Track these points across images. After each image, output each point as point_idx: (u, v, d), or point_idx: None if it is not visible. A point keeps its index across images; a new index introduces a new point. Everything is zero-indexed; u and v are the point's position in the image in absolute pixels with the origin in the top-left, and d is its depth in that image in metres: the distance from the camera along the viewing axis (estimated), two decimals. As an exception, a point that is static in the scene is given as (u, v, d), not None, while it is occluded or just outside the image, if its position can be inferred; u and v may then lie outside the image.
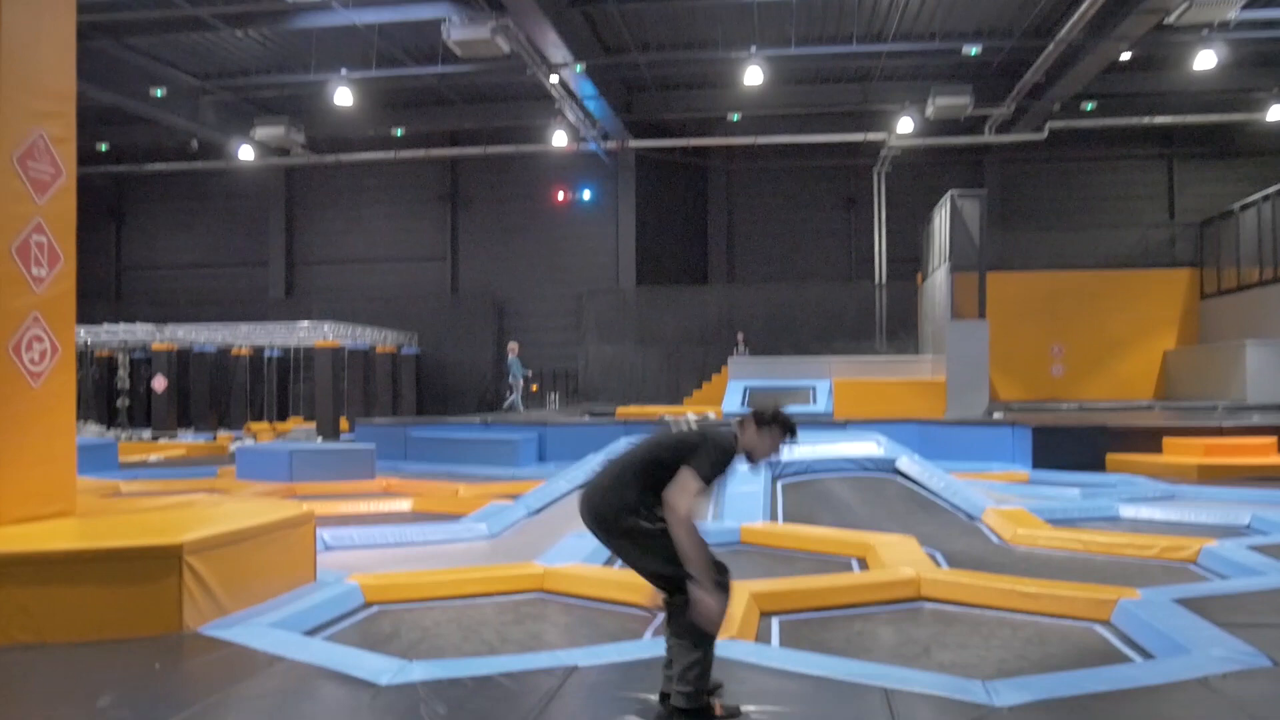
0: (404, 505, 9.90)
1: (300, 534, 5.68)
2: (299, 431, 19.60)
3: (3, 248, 5.25)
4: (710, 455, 3.50)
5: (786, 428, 3.68)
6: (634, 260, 23.81)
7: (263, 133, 20.06)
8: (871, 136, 21.32)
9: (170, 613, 4.60)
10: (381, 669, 3.99)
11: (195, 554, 4.71)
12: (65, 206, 5.69)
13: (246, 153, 22.01)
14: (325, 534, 7.54)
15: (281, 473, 11.51)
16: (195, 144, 22.35)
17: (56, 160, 5.60)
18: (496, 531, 7.97)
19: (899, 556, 6.12)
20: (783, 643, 4.69)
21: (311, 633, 4.91)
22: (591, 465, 9.54)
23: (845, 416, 15.09)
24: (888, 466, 8.50)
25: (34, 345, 5.42)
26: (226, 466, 13.04)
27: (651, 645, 4.41)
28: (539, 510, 8.51)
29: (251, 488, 10.98)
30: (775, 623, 5.02)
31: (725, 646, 4.19)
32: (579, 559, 6.20)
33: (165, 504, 6.13)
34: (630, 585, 5.41)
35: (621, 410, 17.82)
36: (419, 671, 3.93)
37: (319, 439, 18.36)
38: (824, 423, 14.23)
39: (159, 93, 18.94)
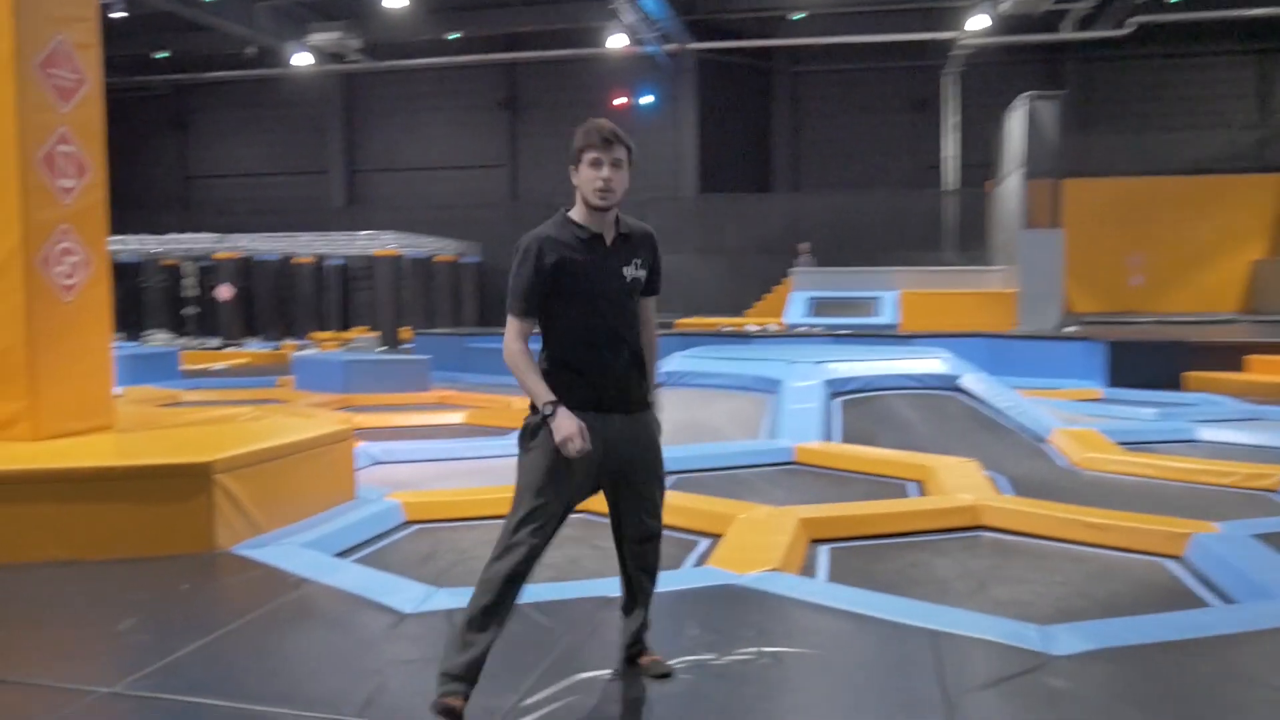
0: (456, 418, 9.82)
1: (339, 450, 5.58)
2: (361, 341, 19.68)
3: (28, 158, 5.11)
4: (511, 272, 2.94)
5: (586, 135, 2.87)
6: (695, 167, 23.26)
7: (318, 38, 19.78)
8: (941, 35, 20.32)
9: (202, 532, 4.53)
10: (408, 595, 3.86)
11: (227, 472, 4.61)
12: (91, 114, 5.51)
13: (303, 59, 21.75)
14: (374, 448, 7.48)
15: (336, 383, 11.51)
16: (254, 50, 22.14)
17: (79, 66, 5.41)
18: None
19: (959, 481, 5.83)
20: (831, 575, 4.46)
21: (347, 553, 4.82)
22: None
23: (911, 330, 14.65)
24: (951, 384, 8.15)
25: (64, 259, 5.30)
26: (286, 376, 13.10)
27: (694, 575, 4.23)
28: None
29: (307, 398, 10.99)
30: (824, 552, 4.79)
31: (766, 579, 3.99)
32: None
33: (205, 418, 6.06)
34: (679, 509, 5.23)
35: (680, 322, 17.55)
36: (445, 599, 3.79)
37: (381, 349, 18.42)
38: (887, 335, 13.82)
39: (213, -2, 18.71)
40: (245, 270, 22.09)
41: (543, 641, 3.41)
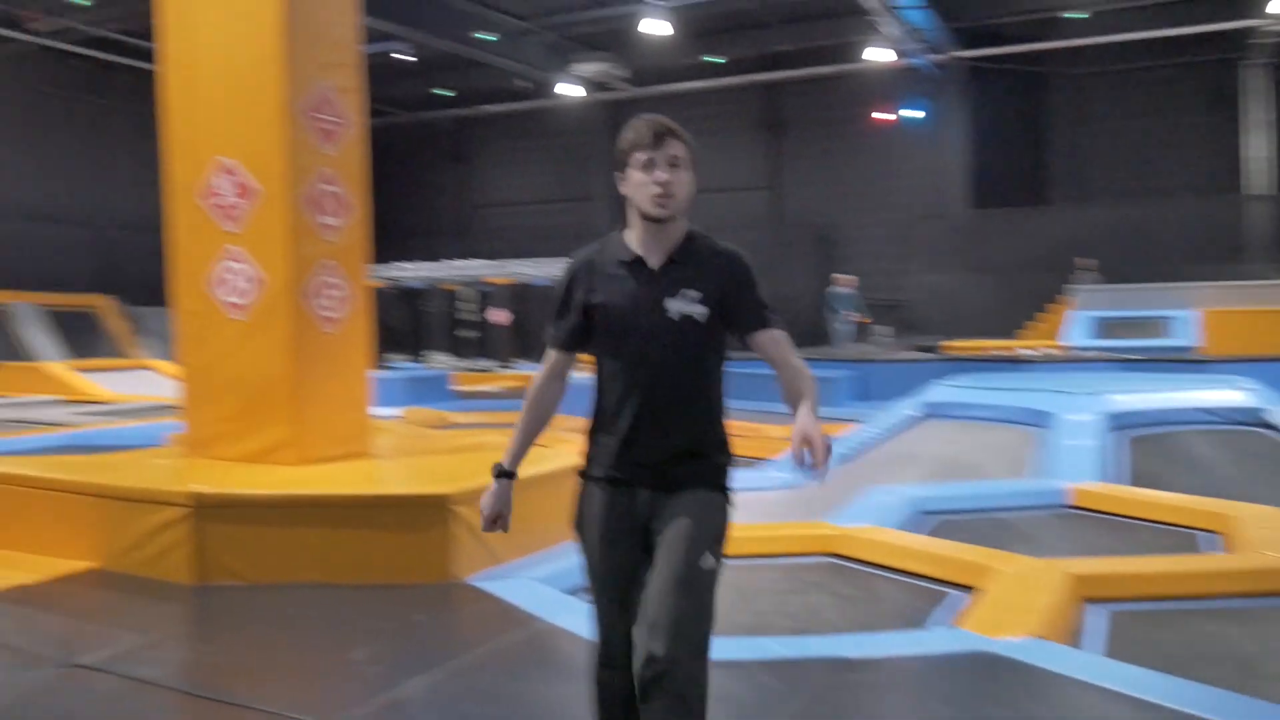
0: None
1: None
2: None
3: (295, 198, 5.40)
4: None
5: (633, 133, 2.41)
6: (965, 182, 22.15)
7: (584, 69, 20.41)
8: (1243, 24, 18.28)
9: (440, 561, 4.58)
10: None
11: (465, 504, 4.64)
12: (353, 155, 5.78)
13: (571, 90, 22.55)
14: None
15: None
16: (525, 84, 23.21)
17: (342, 110, 5.68)
18: (796, 480, 7.51)
19: (1269, 535, 5.03)
20: (1108, 646, 3.90)
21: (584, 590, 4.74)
22: (907, 409, 8.85)
23: (1212, 353, 13.17)
24: (1257, 418, 7.15)
25: (327, 292, 5.57)
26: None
27: (940, 637, 3.82)
28: (847, 457, 7.94)
29: (569, 421, 11.19)
30: (1100, 615, 4.22)
31: (1027, 648, 3.52)
32: (877, 519, 5.63)
33: (456, 445, 6.21)
34: (927, 555, 4.82)
35: (947, 345, 16.68)
36: (670, 651, 3.59)
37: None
38: (1183, 360, 12.46)
39: (490, 37, 19.71)
40: (518, 295, 23.09)
41: (768, 708, 3.14)
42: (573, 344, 2.50)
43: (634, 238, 2.43)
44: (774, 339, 2.42)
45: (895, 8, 17.59)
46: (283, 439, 5.35)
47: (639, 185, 2.38)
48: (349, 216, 5.72)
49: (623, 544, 2.39)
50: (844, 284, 19.56)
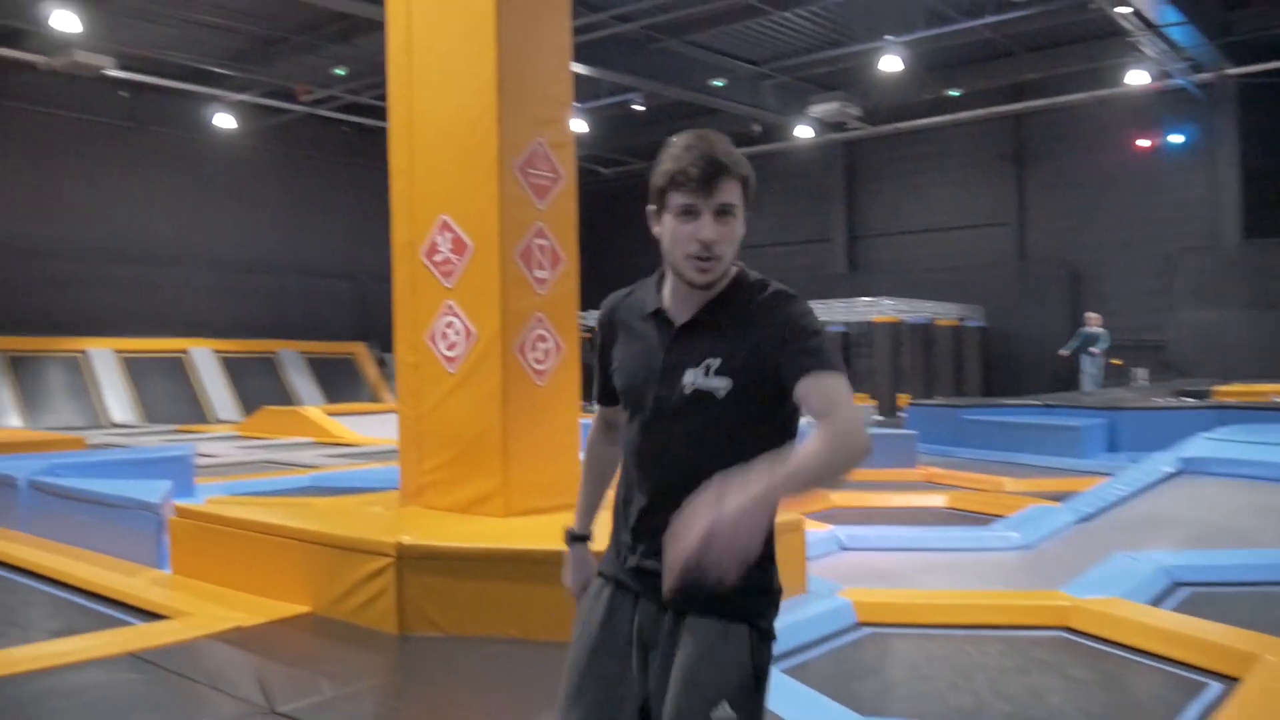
0: (938, 500, 9.15)
1: (788, 542, 5.30)
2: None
3: (507, 253, 5.51)
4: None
5: (675, 165, 1.84)
6: (1238, 210, 20.22)
7: (818, 109, 20.22)
8: None
9: (639, 623, 4.46)
10: (827, 723, 3.44)
11: (665, 563, 4.52)
12: (566, 208, 5.85)
13: (804, 131, 22.38)
14: (842, 532, 7.13)
15: (820, 456, 11.32)
16: (759, 128, 23.25)
17: (555, 165, 5.77)
18: (1031, 542, 6.94)
19: None
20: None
21: (783, 656, 4.51)
22: (1162, 463, 8.04)
23: None
24: None
25: (538, 345, 5.64)
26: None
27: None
28: (1089, 517, 7.31)
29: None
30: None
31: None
32: (1121, 590, 5.07)
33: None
34: (1181, 638, 4.27)
35: (1219, 390, 15.16)
36: (869, 735, 3.32)
37: (877, 418, 18.11)
38: None
39: (720, 83, 19.88)
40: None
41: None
42: (611, 397, 2.11)
43: (669, 283, 1.98)
44: (819, 387, 1.79)
45: (1157, 26, 16.36)
46: (491, 490, 5.43)
47: (676, 238, 1.87)
48: (559, 269, 5.79)
49: (612, 666, 1.95)
50: (1094, 323, 18.32)
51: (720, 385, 1.86)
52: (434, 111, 5.72)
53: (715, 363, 1.86)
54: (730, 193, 1.84)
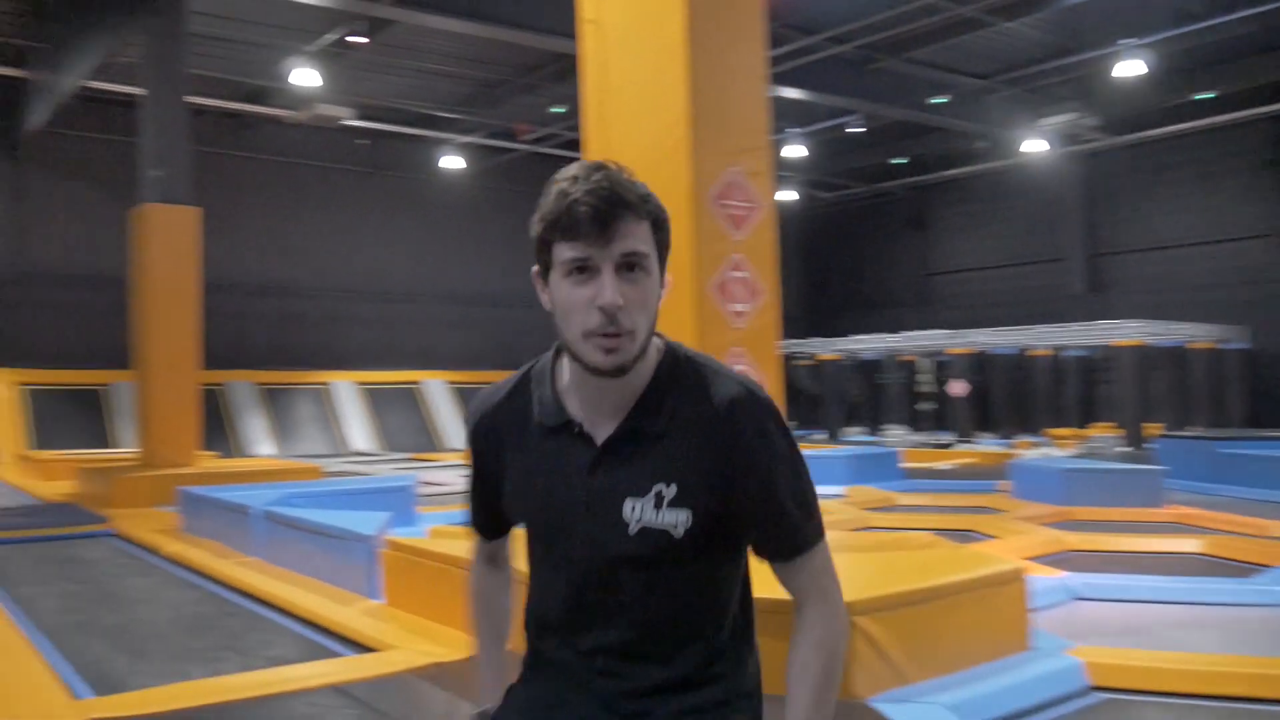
0: (1191, 545, 8.25)
1: (1007, 593, 4.85)
2: (1098, 441, 18.21)
3: (702, 287, 5.36)
4: None
5: (554, 207, 1.36)
6: None
7: (1050, 122, 19.15)
8: None
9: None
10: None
11: (868, 614, 4.20)
12: (764, 239, 5.64)
13: (1035, 145, 21.21)
14: (1075, 579, 6.53)
15: (1055, 494, 10.53)
16: (986, 144, 22.26)
17: (752, 194, 5.57)
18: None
19: None
20: None
21: (1003, 721, 4.10)
22: None
23: None
24: None
25: (735, 380, 5.43)
26: (1009, 480, 12.43)
27: None
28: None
29: (1023, 509, 10.21)
30: None
31: None
32: None
33: (872, 543, 5.78)
34: None
35: None
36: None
37: (1121, 449, 16.80)
38: None
39: (941, 100, 19.15)
40: (979, 364, 21.92)
41: None
42: (496, 529, 1.70)
43: (564, 378, 1.49)
44: (807, 568, 1.51)
45: None
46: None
47: (568, 307, 1.38)
48: (758, 301, 5.58)
49: None
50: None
51: (678, 521, 1.42)
52: (626, 145, 5.64)
53: (669, 491, 1.41)
54: (637, 237, 1.38)
